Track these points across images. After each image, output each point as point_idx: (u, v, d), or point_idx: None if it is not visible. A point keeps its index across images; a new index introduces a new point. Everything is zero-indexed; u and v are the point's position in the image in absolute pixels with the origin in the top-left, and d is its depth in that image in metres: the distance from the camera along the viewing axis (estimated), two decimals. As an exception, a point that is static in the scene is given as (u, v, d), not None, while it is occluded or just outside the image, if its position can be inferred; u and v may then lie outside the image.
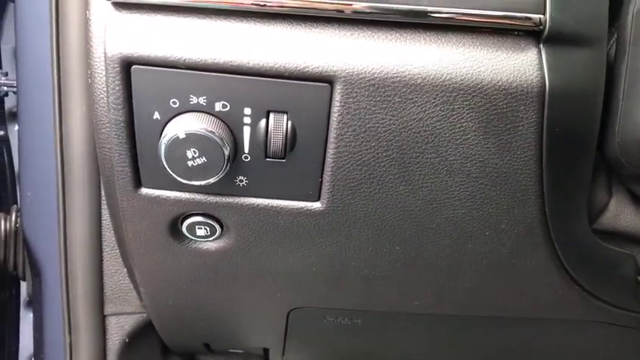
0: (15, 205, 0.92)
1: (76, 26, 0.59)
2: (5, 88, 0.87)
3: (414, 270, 0.60)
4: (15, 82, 0.83)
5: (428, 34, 0.49)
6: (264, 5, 0.47)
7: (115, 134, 0.51)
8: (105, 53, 0.48)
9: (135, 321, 0.79)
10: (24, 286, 1.01)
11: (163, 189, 0.54)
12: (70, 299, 0.75)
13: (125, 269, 0.71)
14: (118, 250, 0.69)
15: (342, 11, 0.48)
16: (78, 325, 0.77)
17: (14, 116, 0.98)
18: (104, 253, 0.72)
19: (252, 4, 0.48)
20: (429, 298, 0.63)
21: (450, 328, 0.73)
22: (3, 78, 0.87)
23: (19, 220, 0.90)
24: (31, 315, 0.94)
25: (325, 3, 0.48)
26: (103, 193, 0.65)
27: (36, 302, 0.84)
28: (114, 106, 0.49)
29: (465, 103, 0.50)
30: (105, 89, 0.50)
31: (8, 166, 0.98)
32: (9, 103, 0.97)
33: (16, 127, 0.97)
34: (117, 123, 0.50)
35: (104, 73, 0.49)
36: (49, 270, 0.78)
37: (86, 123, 0.63)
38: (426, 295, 0.63)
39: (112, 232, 0.68)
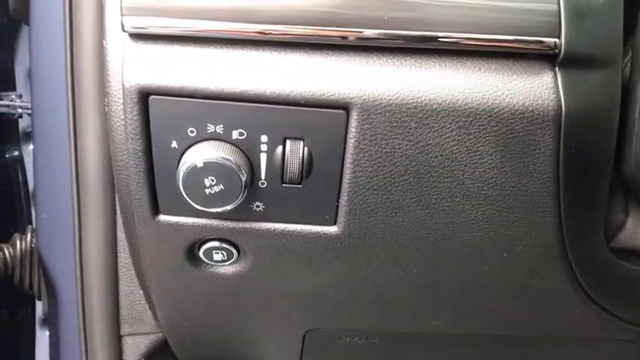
0: (30, 226, 0.93)
1: (90, 51, 0.60)
2: (20, 110, 0.87)
3: (431, 291, 0.60)
4: (29, 103, 0.84)
5: (443, 59, 0.50)
6: (269, 34, 0.48)
7: (133, 163, 0.51)
8: (123, 84, 0.48)
9: (150, 341, 0.79)
10: (39, 305, 1.02)
11: (181, 215, 0.54)
12: (86, 319, 0.76)
13: (140, 290, 0.71)
14: (133, 271, 0.70)
15: (346, 37, 0.48)
16: (94, 345, 0.77)
17: (29, 137, 0.99)
18: (120, 274, 0.72)
19: (258, 32, 0.48)
20: (447, 318, 0.63)
21: (468, 347, 0.73)
22: (18, 100, 0.87)
23: (34, 240, 0.90)
24: (47, 333, 0.94)
25: (345, 31, 0.48)
26: (118, 214, 0.66)
27: (52, 322, 0.85)
28: (132, 135, 0.50)
29: (481, 127, 0.50)
30: (122, 118, 0.50)
31: (23, 186, 0.99)
32: (23, 123, 0.98)
33: (31, 147, 0.98)
34: (135, 152, 0.50)
35: (121, 102, 0.49)
36: (65, 290, 0.78)
37: (100, 146, 0.63)
38: (443, 316, 0.63)
39: (128, 253, 0.68)
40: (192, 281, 0.59)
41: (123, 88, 0.48)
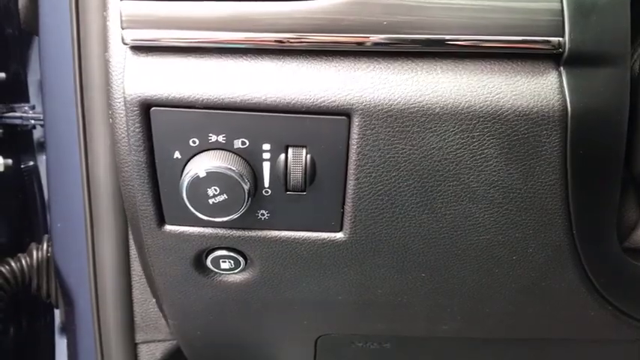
0: (46, 235, 0.94)
1: (97, 63, 0.60)
2: (33, 121, 0.89)
3: (441, 295, 0.59)
4: (42, 114, 0.86)
5: (444, 62, 0.49)
6: (286, 42, 0.48)
7: (137, 175, 0.51)
8: (124, 96, 0.48)
9: (165, 348, 0.80)
10: (57, 314, 1.03)
11: (187, 225, 0.54)
12: (101, 328, 0.77)
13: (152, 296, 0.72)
14: (143, 278, 0.70)
15: (362, 44, 0.48)
16: (110, 353, 0.78)
17: (42, 147, 1.00)
18: (133, 282, 0.73)
19: (256, 41, 0.48)
20: (458, 322, 0.63)
21: (480, 350, 0.72)
22: (30, 112, 0.89)
23: (50, 249, 0.92)
24: (65, 341, 0.95)
25: (346, 37, 0.47)
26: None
27: (69, 330, 0.86)
28: (135, 147, 0.50)
29: (486, 130, 0.49)
30: (125, 130, 0.51)
31: (38, 196, 1.01)
32: (36, 134, 0.99)
33: (44, 157, 0.99)
34: (138, 164, 0.50)
35: (124, 114, 0.49)
36: (81, 299, 0.79)
37: (110, 156, 0.64)
38: (454, 320, 0.62)
39: (137, 260, 0.69)
40: (201, 290, 0.59)
41: (125, 101, 0.48)
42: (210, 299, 0.60)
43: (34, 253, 0.91)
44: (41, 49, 0.72)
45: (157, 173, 0.51)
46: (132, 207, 0.56)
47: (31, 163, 1.00)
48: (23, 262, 0.91)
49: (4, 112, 0.88)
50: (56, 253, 0.81)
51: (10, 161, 0.88)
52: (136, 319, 0.76)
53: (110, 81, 0.52)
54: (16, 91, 0.96)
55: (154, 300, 0.73)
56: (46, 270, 0.91)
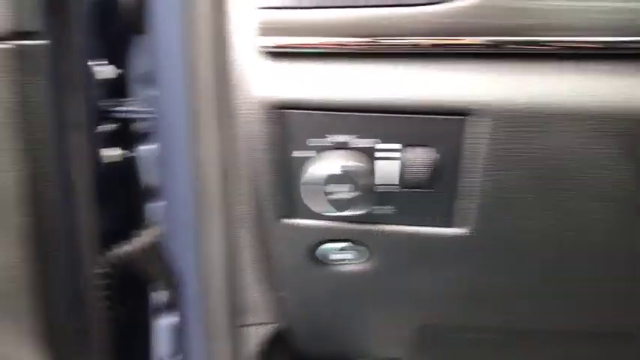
0: (152, 220, 0.99)
1: (208, 63, 0.64)
2: (140, 115, 0.93)
3: (554, 290, 0.60)
4: (148, 109, 0.91)
5: (570, 63, 0.49)
6: (413, 45, 0.49)
7: (261, 171, 0.55)
8: (256, 98, 0.52)
9: (267, 331, 0.84)
10: (155, 296, 1.09)
11: (307, 219, 0.57)
12: (207, 310, 0.82)
13: (258, 283, 0.76)
14: (252, 264, 0.74)
15: (486, 46, 0.49)
16: (217, 334, 0.82)
17: (143, 139, 1.05)
18: (239, 267, 0.77)
19: (381, 45, 0.50)
20: (571, 315, 0.63)
21: (589, 344, 0.72)
22: (137, 106, 0.93)
23: (157, 234, 0.97)
24: (164, 323, 1.01)
25: (470, 40, 0.49)
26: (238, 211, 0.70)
27: (175, 311, 0.91)
28: (261, 146, 0.53)
29: (605, 129, 0.50)
30: (250, 129, 0.54)
31: (143, 185, 1.06)
32: (142, 127, 1.04)
33: (144, 148, 1.04)
34: (263, 161, 0.54)
35: (251, 114, 0.53)
36: (188, 281, 0.84)
37: (219, 148, 0.68)
38: (567, 313, 0.63)
39: (245, 248, 0.73)
40: (315, 280, 0.63)
41: (256, 102, 0.51)
42: (324, 289, 0.63)
43: (142, 237, 0.96)
44: (151, 47, 0.76)
45: (281, 170, 0.55)
46: (256, 200, 0.59)
47: (133, 154, 1.06)
48: (131, 246, 0.96)
49: (115, 107, 0.94)
50: (164, 239, 0.86)
51: (124, 152, 0.94)
52: (240, 302, 0.80)
53: (235, 82, 0.55)
54: (120, 88, 1.02)
55: (257, 285, 0.77)
56: (152, 254, 0.96)
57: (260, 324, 0.84)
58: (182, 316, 0.88)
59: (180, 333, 0.91)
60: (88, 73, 0.85)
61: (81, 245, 0.78)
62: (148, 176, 1.02)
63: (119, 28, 1.04)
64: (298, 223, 0.58)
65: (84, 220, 0.77)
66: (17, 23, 0.59)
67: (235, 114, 0.55)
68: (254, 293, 0.79)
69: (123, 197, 1.01)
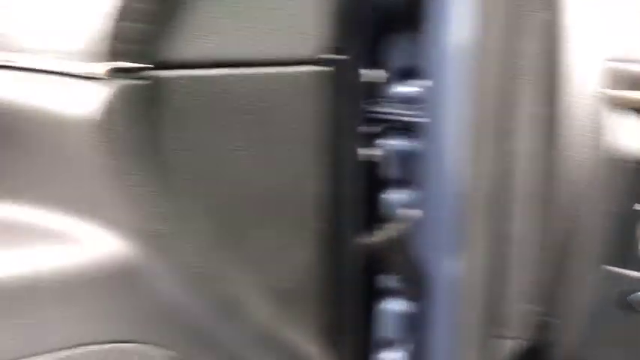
0: (399, 216, 1.02)
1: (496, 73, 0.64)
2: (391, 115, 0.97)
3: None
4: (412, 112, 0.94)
5: None
6: None
7: (592, 219, 0.54)
8: (597, 146, 0.51)
9: (520, 346, 0.84)
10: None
11: (629, 269, 0.56)
12: (461, 312, 0.84)
13: (521, 297, 0.76)
14: (516, 279, 0.74)
15: None
16: (466, 337, 0.85)
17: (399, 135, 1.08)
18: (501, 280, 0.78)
19: None
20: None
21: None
22: (404, 109, 0.97)
23: (405, 231, 1.00)
24: (393, 307, 1.04)
25: None
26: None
27: (419, 314, 0.94)
28: (599, 198, 0.53)
29: None
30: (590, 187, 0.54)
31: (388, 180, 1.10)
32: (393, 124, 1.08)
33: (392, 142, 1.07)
34: (598, 212, 0.53)
35: (600, 169, 0.52)
36: (439, 288, 0.87)
37: (494, 171, 0.68)
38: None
39: (515, 267, 0.73)
40: (621, 324, 0.61)
41: (597, 150, 0.51)
42: (624, 331, 0.62)
43: (387, 232, 1.00)
44: (434, 50, 0.78)
45: (621, 221, 0.54)
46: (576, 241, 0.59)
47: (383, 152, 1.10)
48: (378, 237, 1.01)
49: (374, 107, 0.98)
50: (418, 238, 0.90)
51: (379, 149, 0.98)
52: (490, 314, 0.81)
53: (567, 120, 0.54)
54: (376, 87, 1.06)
55: (510, 299, 0.77)
56: (397, 249, 1.00)
57: (508, 337, 0.84)
58: (423, 308, 0.90)
59: (415, 323, 0.94)
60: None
61: (348, 244, 0.84)
62: (398, 173, 1.06)
63: (382, 30, 1.08)
64: (616, 271, 0.57)
65: (350, 221, 0.82)
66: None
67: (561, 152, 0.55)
68: (514, 307, 0.79)
69: (372, 192, 1.06)
